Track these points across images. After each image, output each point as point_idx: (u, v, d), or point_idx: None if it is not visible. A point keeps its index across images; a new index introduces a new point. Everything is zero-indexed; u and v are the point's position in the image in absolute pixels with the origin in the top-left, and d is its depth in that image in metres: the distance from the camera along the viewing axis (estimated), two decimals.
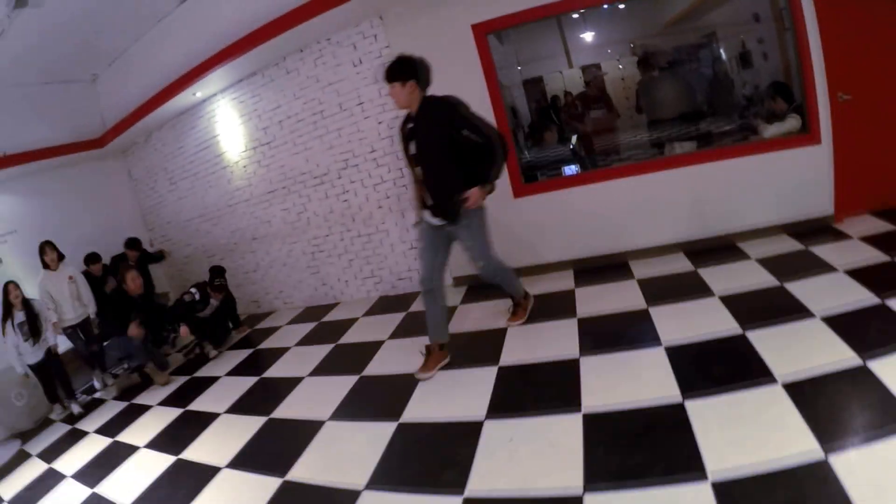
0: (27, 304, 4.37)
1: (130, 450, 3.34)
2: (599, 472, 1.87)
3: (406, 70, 2.69)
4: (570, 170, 4.48)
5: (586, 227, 4.25)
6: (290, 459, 2.57)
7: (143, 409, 3.98)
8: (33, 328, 4.32)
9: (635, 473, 1.82)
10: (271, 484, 2.41)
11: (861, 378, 2.05)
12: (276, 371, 3.90)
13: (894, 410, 1.81)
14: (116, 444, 3.51)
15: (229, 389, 3.80)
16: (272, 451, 2.76)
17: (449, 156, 2.75)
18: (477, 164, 2.77)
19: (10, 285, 4.32)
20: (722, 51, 4.93)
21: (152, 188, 6.17)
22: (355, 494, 2.15)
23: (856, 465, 1.61)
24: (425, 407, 2.73)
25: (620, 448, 1.99)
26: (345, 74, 4.44)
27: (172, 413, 3.72)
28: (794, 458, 1.70)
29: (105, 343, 4.93)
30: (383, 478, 2.22)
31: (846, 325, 2.46)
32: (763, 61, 4.59)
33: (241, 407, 3.46)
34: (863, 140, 3.99)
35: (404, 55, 2.74)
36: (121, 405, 4.26)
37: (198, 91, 4.93)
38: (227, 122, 5.23)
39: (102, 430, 3.86)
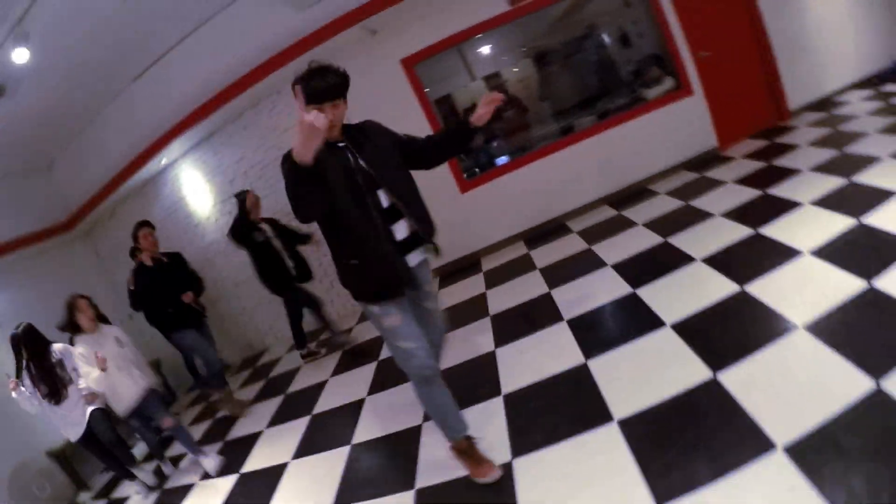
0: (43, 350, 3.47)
1: (187, 489, 3.50)
2: (592, 347, 2.61)
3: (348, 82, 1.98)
4: (502, 160, 5.30)
5: (525, 203, 5.08)
6: (349, 431, 3.07)
7: (179, 457, 4.11)
8: (52, 386, 3.35)
9: (618, 340, 2.59)
10: (342, 452, 2.90)
11: (756, 241, 2.99)
12: (297, 385, 4.33)
13: (777, 254, 2.73)
14: (169, 491, 3.61)
15: (261, 412, 4.14)
16: (328, 433, 3.24)
17: (403, 170, 2.16)
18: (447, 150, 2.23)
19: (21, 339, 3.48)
20: (604, 36, 5.88)
21: (123, 262, 6.31)
22: (418, 429, 2.72)
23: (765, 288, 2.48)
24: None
25: (601, 329, 2.78)
26: None
27: (213, 447, 3.95)
28: (718, 294, 2.57)
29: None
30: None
31: (740, 214, 3.43)
32: (639, 39, 5.61)
33: (281, 418, 3.85)
34: (728, 82, 5.10)
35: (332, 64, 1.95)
36: (153, 462, 4.15)
37: (163, 158, 5.33)
38: (193, 183, 5.63)
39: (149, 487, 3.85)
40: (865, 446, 1.49)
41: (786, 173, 3.85)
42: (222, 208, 5.57)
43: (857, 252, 2.49)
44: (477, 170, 5.35)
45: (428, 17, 4.63)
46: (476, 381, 2.88)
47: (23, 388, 3.37)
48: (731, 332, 2.28)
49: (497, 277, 4.43)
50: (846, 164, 3.59)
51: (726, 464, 1.64)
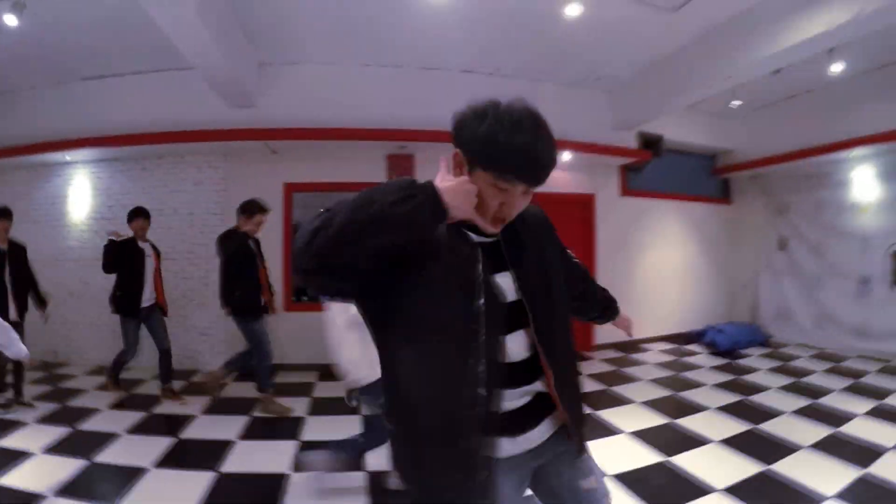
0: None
1: None
2: None
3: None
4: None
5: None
6: None
7: None
8: None
9: None
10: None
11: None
12: None
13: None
14: None
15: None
16: None
17: (565, 307, 1.39)
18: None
19: None
20: None
21: None
22: None
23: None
24: None
25: None
26: (186, 188, 5.72)
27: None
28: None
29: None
30: None
31: None
32: None
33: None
34: None
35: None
36: None
37: (68, 155, 5.74)
38: (80, 189, 5.99)
39: None
40: None
41: None
42: (92, 225, 5.92)
43: None
44: (305, 297, 5.88)
45: (321, 159, 5.57)
46: None
47: None
48: None
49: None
50: None
51: None
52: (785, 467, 3.08)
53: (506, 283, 1.20)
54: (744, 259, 7.63)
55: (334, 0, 4.31)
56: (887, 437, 3.47)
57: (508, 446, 1.19)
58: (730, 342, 6.56)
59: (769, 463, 3.14)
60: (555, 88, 6.05)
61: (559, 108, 5.92)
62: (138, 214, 4.50)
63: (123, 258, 4.37)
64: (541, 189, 1.13)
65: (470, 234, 1.18)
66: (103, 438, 3.69)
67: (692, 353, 6.43)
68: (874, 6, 3.25)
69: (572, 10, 3.99)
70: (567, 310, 1.37)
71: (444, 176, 1.06)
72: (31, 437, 3.68)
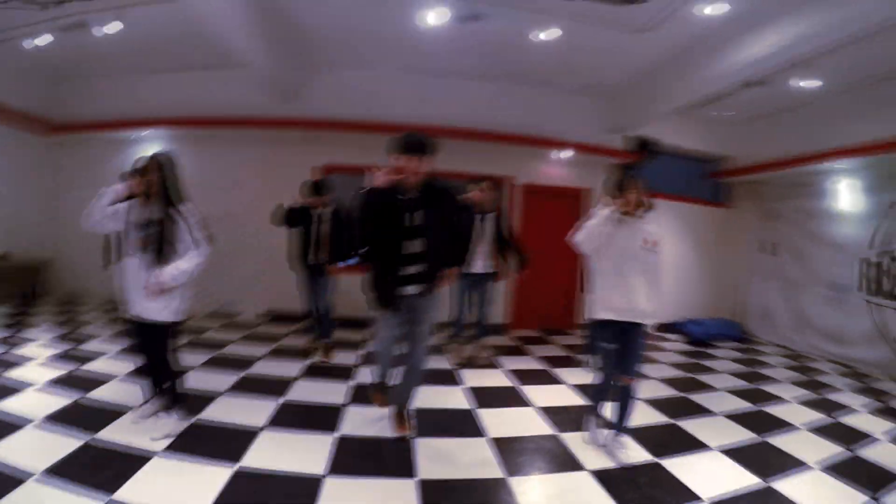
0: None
1: None
2: None
3: (435, 147, 2.83)
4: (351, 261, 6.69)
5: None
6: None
7: None
8: (157, 241, 2.69)
9: None
10: None
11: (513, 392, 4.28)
12: None
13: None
14: None
15: None
16: None
17: (446, 235, 3.00)
18: (454, 250, 3.15)
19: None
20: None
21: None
22: None
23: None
24: None
25: None
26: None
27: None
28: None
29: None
30: None
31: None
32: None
33: None
34: (529, 285, 6.75)
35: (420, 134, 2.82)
36: None
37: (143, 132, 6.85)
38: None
39: None
40: None
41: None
42: None
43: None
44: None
45: (354, 146, 6.50)
46: None
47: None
48: None
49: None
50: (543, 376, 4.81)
51: None
52: (690, 425, 3.67)
53: (420, 216, 2.84)
54: (734, 260, 8.02)
55: (363, 14, 5.06)
56: (795, 418, 3.97)
57: (410, 289, 2.93)
58: (705, 333, 7.01)
59: (674, 418, 3.80)
60: (556, 96, 6.85)
61: (559, 112, 6.79)
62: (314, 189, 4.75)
63: (299, 221, 4.77)
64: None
65: (399, 197, 2.80)
66: None
67: (666, 340, 6.92)
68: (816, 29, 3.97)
69: (550, 35, 4.78)
70: (446, 238, 2.99)
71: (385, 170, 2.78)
72: None
